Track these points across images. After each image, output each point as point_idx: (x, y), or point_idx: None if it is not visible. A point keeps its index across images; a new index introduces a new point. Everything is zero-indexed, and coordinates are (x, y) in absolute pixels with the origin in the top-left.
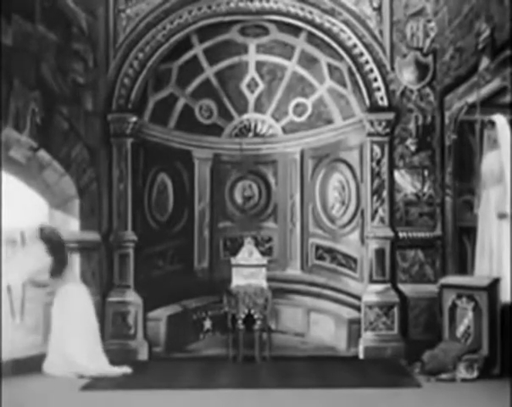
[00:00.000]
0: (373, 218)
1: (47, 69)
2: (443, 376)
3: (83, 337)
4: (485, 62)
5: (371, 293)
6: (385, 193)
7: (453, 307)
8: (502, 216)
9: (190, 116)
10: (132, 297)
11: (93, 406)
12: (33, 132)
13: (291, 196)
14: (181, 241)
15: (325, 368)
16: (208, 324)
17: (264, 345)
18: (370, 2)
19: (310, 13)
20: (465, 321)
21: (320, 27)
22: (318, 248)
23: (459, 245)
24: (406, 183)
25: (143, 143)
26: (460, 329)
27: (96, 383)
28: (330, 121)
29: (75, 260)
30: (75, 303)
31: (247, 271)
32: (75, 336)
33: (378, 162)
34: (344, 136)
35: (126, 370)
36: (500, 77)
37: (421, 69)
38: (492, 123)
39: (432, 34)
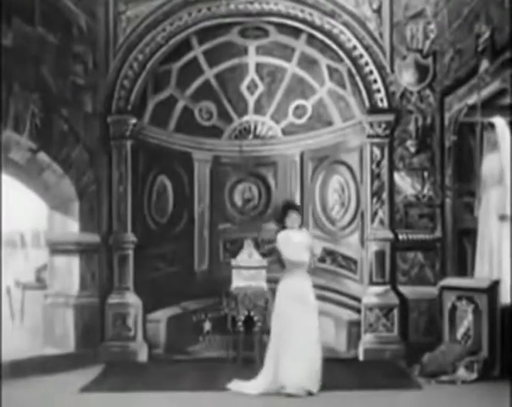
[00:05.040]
0: (373, 220)
1: (46, 71)
2: (443, 377)
3: None
4: (485, 64)
5: (371, 295)
6: (385, 195)
7: (453, 309)
8: (502, 218)
9: (190, 118)
10: (132, 298)
11: None
12: (33, 134)
13: (291, 197)
14: (181, 243)
15: (324, 370)
16: (207, 326)
17: (263, 347)
18: (369, 4)
19: (310, 15)
20: (465, 323)
21: (319, 29)
22: None
23: (458, 247)
24: (406, 185)
25: (143, 145)
26: (460, 331)
27: (95, 385)
28: (329, 123)
29: (74, 262)
30: None
31: (247, 273)
32: None
33: (378, 164)
34: (344, 137)
35: None
36: (500, 79)
37: (421, 70)
38: (492, 125)
39: (432, 36)
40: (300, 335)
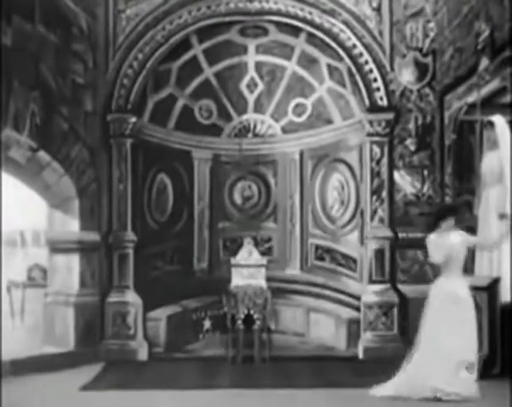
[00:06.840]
0: (372, 218)
1: (46, 69)
2: None
3: None
4: (484, 62)
5: (371, 294)
6: (384, 193)
7: None
8: (502, 217)
9: (189, 117)
10: (132, 297)
11: (92, 406)
12: (33, 133)
13: (290, 196)
14: (181, 241)
15: (324, 368)
16: (207, 324)
17: (263, 345)
18: (369, 3)
19: (310, 13)
20: None
21: (319, 27)
22: (317, 248)
23: None
24: (406, 183)
25: (143, 144)
26: None
27: (95, 383)
28: (329, 121)
29: (74, 261)
30: None
31: (247, 271)
32: None
33: (378, 162)
34: (344, 136)
35: None
36: (500, 77)
37: (421, 69)
38: (492, 123)
39: (432, 34)
40: (452, 336)
